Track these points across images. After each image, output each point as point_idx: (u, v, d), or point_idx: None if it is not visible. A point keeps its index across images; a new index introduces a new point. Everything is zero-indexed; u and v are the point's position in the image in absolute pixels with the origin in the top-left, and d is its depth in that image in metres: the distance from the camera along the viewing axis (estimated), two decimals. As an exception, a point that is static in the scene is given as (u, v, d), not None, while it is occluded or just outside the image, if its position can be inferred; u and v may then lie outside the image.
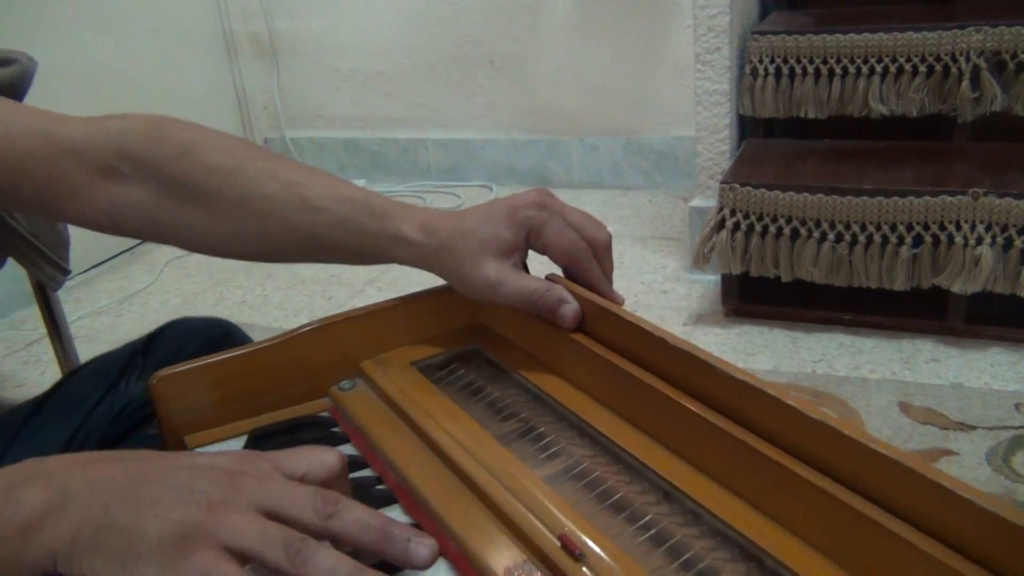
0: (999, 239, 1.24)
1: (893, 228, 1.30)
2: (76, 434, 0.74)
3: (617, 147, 2.18)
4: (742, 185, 1.37)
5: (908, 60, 1.45)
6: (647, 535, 0.46)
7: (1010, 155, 1.40)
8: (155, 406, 0.61)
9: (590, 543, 0.44)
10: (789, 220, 1.36)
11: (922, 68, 1.45)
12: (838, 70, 1.50)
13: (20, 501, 0.40)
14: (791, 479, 0.43)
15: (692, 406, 0.50)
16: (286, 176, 0.64)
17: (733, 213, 1.39)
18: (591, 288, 0.62)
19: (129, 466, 0.43)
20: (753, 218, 1.38)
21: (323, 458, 0.44)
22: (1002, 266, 1.25)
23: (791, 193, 1.34)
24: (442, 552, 0.47)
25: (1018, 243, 1.23)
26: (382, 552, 0.41)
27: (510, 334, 0.67)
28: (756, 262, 1.39)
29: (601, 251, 0.63)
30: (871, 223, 1.31)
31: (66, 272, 1.12)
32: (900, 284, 1.31)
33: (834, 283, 1.35)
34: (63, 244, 1.11)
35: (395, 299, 0.69)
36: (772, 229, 1.37)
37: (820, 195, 1.33)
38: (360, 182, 2.37)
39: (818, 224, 1.34)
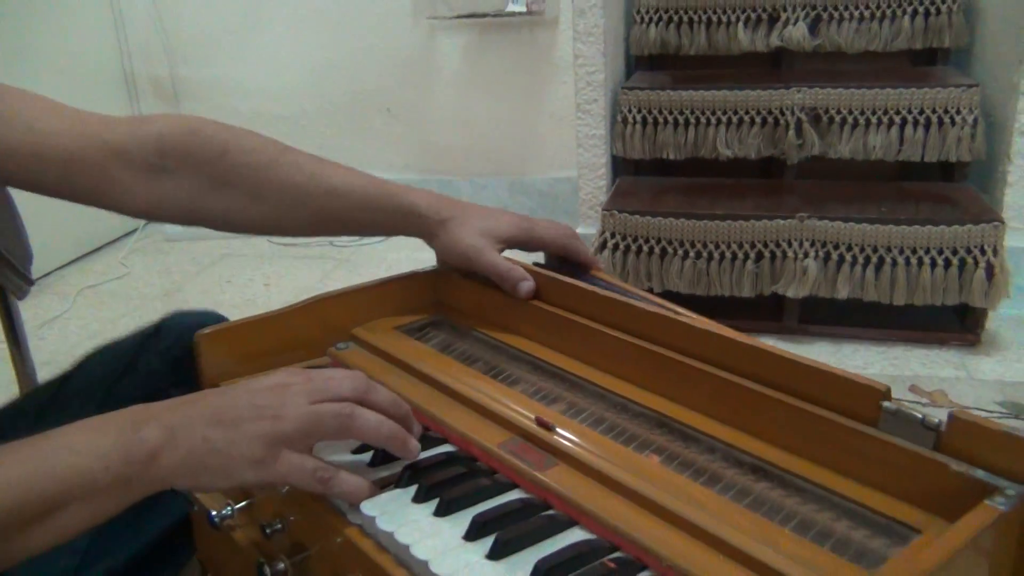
0: (820, 253, 1.54)
1: (740, 246, 1.58)
2: (103, 406, 0.86)
3: (503, 187, 2.41)
4: (620, 212, 1.62)
5: (747, 113, 1.76)
6: (593, 419, 0.66)
7: (827, 189, 1.73)
8: (196, 358, 0.76)
9: (558, 424, 0.64)
10: (659, 241, 1.62)
11: (758, 120, 1.76)
12: (692, 120, 1.80)
13: (142, 437, 0.55)
14: (687, 370, 0.65)
15: (616, 333, 0.71)
16: (310, 168, 0.82)
17: (613, 235, 1.64)
18: (587, 264, 0.84)
19: (210, 402, 0.59)
20: (629, 239, 1.63)
21: (351, 371, 0.62)
22: (824, 275, 1.55)
23: (659, 218, 1.60)
24: (449, 440, 0.66)
25: (835, 256, 1.53)
26: (405, 428, 0.60)
27: (463, 306, 0.87)
28: (633, 276, 1.64)
29: (580, 242, 0.85)
30: (723, 242, 1.59)
31: (31, 282, 1.21)
32: (747, 292, 1.59)
33: (696, 292, 1.61)
34: (27, 257, 1.20)
35: (375, 281, 0.88)
36: (645, 248, 1.63)
37: (682, 220, 1.60)
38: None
39: (681, 244, 1.61)
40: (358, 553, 0.57)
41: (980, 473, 0.49)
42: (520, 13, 2.14)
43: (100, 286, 2.09)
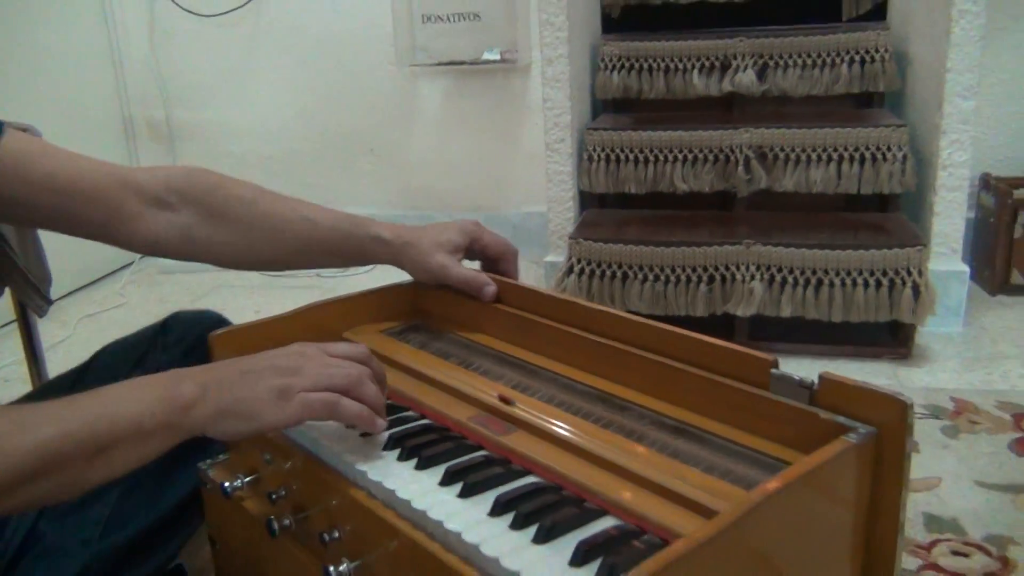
0: (766, 276, 1.69)
1: (694, 270, 1.72)
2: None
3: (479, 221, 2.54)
4: (585, 240, 1.76)
5: (701, 151, 1.92)
6: (545, 396, 0.79)
7: (773, 219, 1.88)
8: (209, 355, 0.88)
9: (518, 401, 0.77)
10: (620, 266, 1.76)
11: (711, 157, 1.92)
12: (651, 158, 1.95)
13: (181, 392, 0.68)
14: (619, 354, 0.78)
15: (563, 327, 0.84)
16: (289, 202, 0.95)
17: (579, 262, 1.77)
18: (510, 273, 0.97)
19: (236, 365, 0.72)
20: (594, 265, 1.77)
21: (355, 344, 0.75)
22: (769, 296, 1.69)
23: (621, 246, 1.75)
24: (427, 417, 0.78)
25: (779, 279, 1.68)
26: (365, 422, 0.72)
27: (437, 312, 1.00)
28: (598, 299, 1.77)
29: (513, 254, 0.98)
30: (679, 267, 1.73)
31: (50, 302, 1.33)
32: (701, 311, 1.73)
33: (655, 312, 1.75)
34: (47, 279, 1.32)
35: (362, 291, 1.01)
36: (608, 273, 1.77)
37: (642, 247, 1.74)
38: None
39: (641, 269, 1.75)
40: (352, 505, 0.69)
41: (841, 418, 0.63)
42: (495, 61, 2.30)
43: (100, 314, 2.20)
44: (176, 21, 2.53)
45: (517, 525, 0.61)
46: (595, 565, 0.56)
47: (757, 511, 0.53)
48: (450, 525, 0.61)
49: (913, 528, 1.10)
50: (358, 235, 0.96)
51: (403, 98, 2.49)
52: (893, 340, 1.69)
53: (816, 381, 0.66)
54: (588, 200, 2.05)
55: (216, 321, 1.06)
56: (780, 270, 1.68)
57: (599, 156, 1.97)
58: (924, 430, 1.37)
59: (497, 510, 0.63)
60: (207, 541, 0.99)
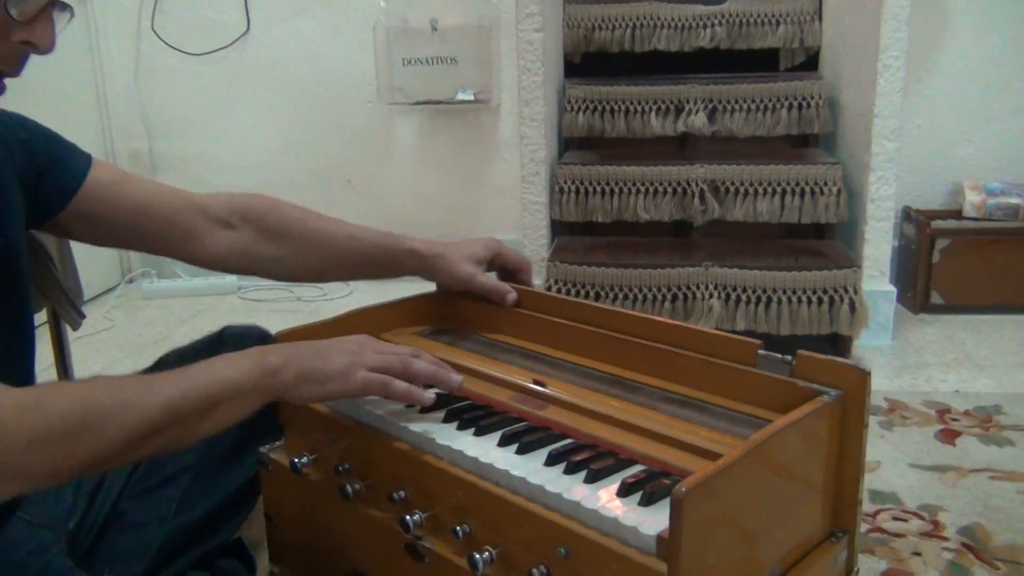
0: (722, 295, 1.88)
1: (658, 290, 1.91)
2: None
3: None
4: (561, 263, 1.94)
5: (660, 184, 2.12)
6: (566, 380, 0.95)
7: (726, 245, 2.08)
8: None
9: (553, 383, 0.93)
10: (592, 286, 1.93)
11: (669, 190, 2.12)
12: (616, 190, 2.14)
13: (269, 361, 0.82)
14: (628, 344, 0.95)
15: (576, 324, 1.00)
16: (333, 221, 1.10)
17: (556, 282, 1.94)
18: (526, 283, 1.13)
19: (310, 346, 0.86)
20: (570, 285, 1.94)
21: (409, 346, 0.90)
22: (725, 312, 1.88)
23: (592, 268, 1.92)
24: (470, 399, 0.93)
25: (734, 297, 1.88)
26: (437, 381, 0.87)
27: (461, 317, 1.15)
28: (572, 317, 1.94)
29: (529, 266, 1.14)
30: (644, 287, 1.91)
31: (82, 315, 1.43)
32: (666, 327, 1.91)
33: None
34: (80, 296, 1.42)
35: (395, 300, 1.15)
36: (582, 292, 1.94)
37: (611, 269, 1.92)
38: (231, 278, 2.71)
39: (611, 288, 1.92)
40: (419, 467, 0.83)
41: (815, 385, 0.80)
42: (468, 101, 2.48)
43: (91, 336, 2.27)
44: (161, 58, 2.64)
45: (569, 471, 0.76)
46: (636, 496, 0.72)
47: (765, 444, 0.69)
48: (515, 472, 0.76)
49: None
50: (395, 249, 1.11)
51: (380, 134, 2.64)
52: (833, 351, 1.89)
53: (793, 358, 0.84)
54: (559, 228, 2.23)
55: (262, 333, 1.19)
56: (735, 289, 1.87)
57: (569, 188, 2.16)
58: (864, 425, 1.56)
59: (550, 461, 0.78)
60: (256, 521, 1.12)
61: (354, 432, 0.91)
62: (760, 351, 0.86)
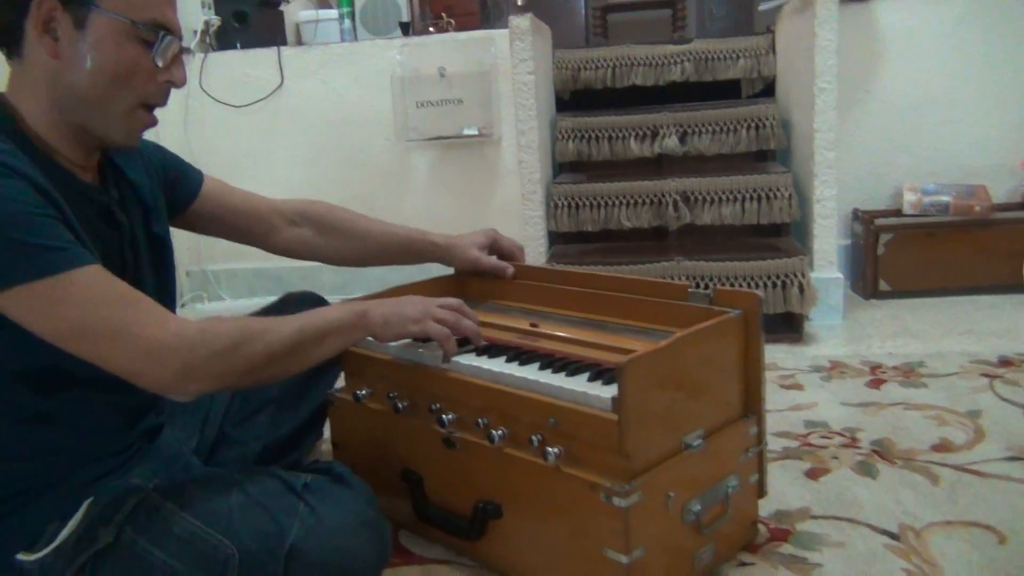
0: (692, 283, 2.20)
1: (640, 283, 2.23)
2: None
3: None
4: (559, 263, 2.26)
5: (639, 197, 2.45)
6: (553, 323, 1.28)
7: (696, 244, 2.40)
8: (339, 315, 1.34)
9: (544, 325, 1.25)
10: (584, 283, 2.26)
11: (647, 201, 2.45)
12: (603, 204, 2.47)
13: (361, 307, 1.14)
14: (601, 297, 1.27)
15: (564, 286, 1.33)
16: (374, 221, 1.43)
17: (553, 281, 2.27)
18: (518, 259, 1.45)
19: (390, 300, 1.18)
20: (564, 283, 2.27)
21: (455, 298, 1.22)
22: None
23: (586, 267, 2.25)
24: (487, 340, 1.25)
25: (701, 285, 2.19)
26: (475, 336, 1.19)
27: (473, 290, 1.47)
28: (568, 310, 2.26)
29: (521, 250, 1.47)
30: (628, 282, 2.23)
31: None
32: (647, 314, 2.23)
33: (612, 317, 2.24)
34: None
35: (428, 279, 1.48)
36: (575, 289, 2.26)
37: (601, 267, 2.25)
38: (271, 299, 3.04)
39: (600, 284, 2.25)
40: (448, 382, 1.15)
41: (726, 309, 1.13)
42: (474, 135, 2.83)
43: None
44: (207, 110, 3.01)
45: (555, 371, 1.08)
46: (599, 380, 1.04)
47: (688, 336, 1.02)
48: (519, 374, 1.08)
49: (795, 428, 1.59)
50: (421, 242, 1.45)
51: (398, 167, 2.99)
52: (789, 328, 2.21)
53: (712, 291, 1.16)
54: (555, 238, 2.56)
55: (316, 296, 1.49)
56: (702, 278, 2.19)
57: (563, 204, 2.49)
58: (809, 379, 1.87)
59: (543, 366, 1.10)
60: (320, 453, 1.44)
61: (401, 368, 1.23)
62: (689, 289, 1.19)
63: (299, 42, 3.36)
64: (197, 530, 0.99)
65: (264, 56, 2.97)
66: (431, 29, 3.22)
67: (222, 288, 3.14)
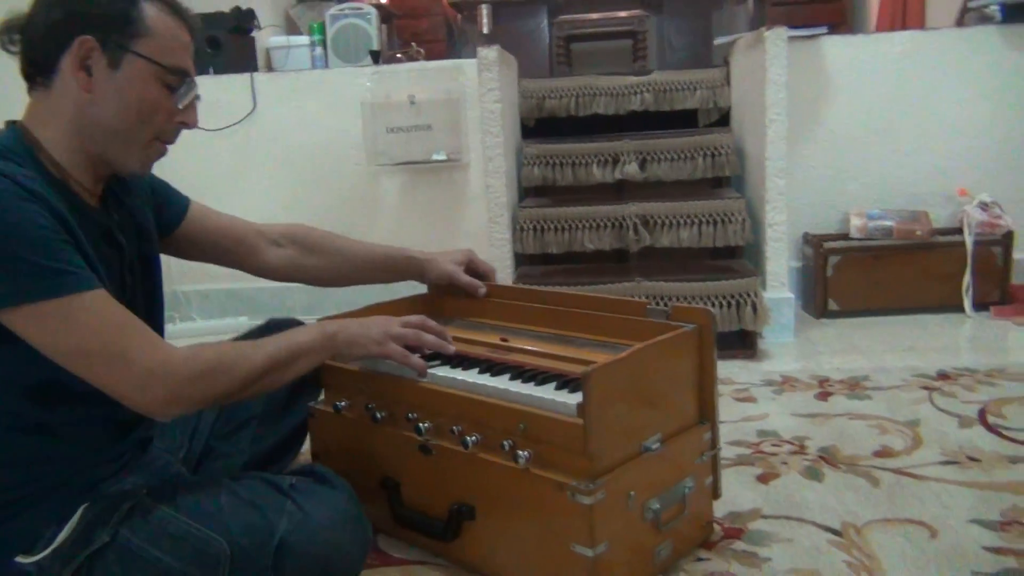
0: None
1: (603, 303, 2.33)
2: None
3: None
4: (524, 283, 2.35)
5: (602, 221, 2.55)
6: (522, 337, 1.36)
7: (656, 266, 2.51)
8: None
9: (514, 340, 1.34)
10: (550, 303, 2.35)
11: (609, 225, 2.55)
12: (566, 227, 2.57)
13: (329, 329, 1.22)
14: (566, 313, 1.36)
15: (531, 304, 1.42)
16: (354, 241, 1.51)
17: (520, 300, 2.36)
18: (490, 279, 1.54)
19: (355, 322, 1.26)
20: (531, 303, 2.36)
21: (418, 315, 1.30)
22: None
23: (551, 287, 2.34)
24: (457, 351, 1.33)
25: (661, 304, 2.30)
26: (439, 348, 1.27)
27: (448, 308, 1.55)
28: (534, 328, 2.35)
29: (494, 271, 1.55)
30: (592, 301, 2.33)
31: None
32: (610, 332, 2.32)
33: (576, 335, 2.33)
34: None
35: (403, 297, 1.55)
36: (541, 308, 2.35)
37: (565, 287, 2.33)
38: (242, 319, 3.09)
39: (565, 304, 2.34)
40: (425, 393, 1.23)
41: (682, 323, 1.22)
42: (442, 160, 2.91)
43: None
44: (182, 133, 3.05)
45: (525, 381, 1.17)
46: (566, 389, 1.12)
47: (647, 348, 1.11)
48: (490, 384, 1.17)
49: (748, 437, 1.69)
50: (398, 258, 1.53)
51: (369, 191, 3.06)
52: (743, 345, 2.32)
53: (669, 308, 1.26)
54: (521, 259, 2.66)
55: (297, 321, 1.55)
56: (661, 298, 2.30)
57: (528, 227, 2.59)
58: (761, 392, 1.98)
59: (513, 377, 1.19)
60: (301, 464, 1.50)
61: (379, 379, 1.31)
62: (648, 306, 1.29)
63: (269, 67, 3.44)
64: (190, 528, 1.05)
65: (237, 81, 3.04)
66: (399, 56, 3.32)
67: (193, 309, 3.17)
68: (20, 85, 1.08)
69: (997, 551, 1.21)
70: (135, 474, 1.17)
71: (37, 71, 1.05)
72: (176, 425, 1.33)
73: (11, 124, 1.07)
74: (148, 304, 1.22)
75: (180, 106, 1.10)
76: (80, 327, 0.98)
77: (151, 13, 1.05)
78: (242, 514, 1.06)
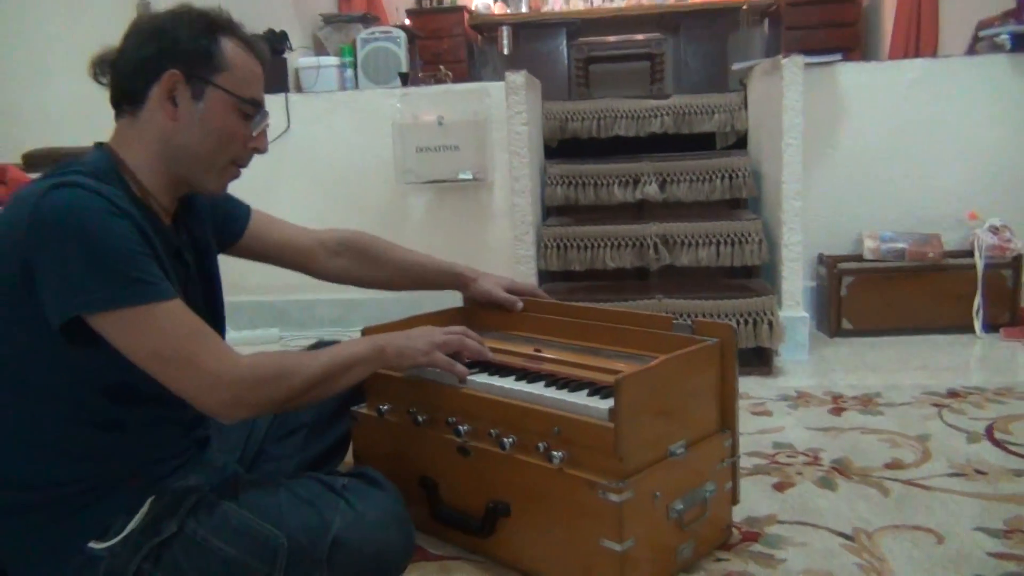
0: (672, 321, 2.39)
1: (624, 319, 2.41)
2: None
3: (457, 298, 3.19)
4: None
5: (623, 240, 2.64)
6: (554, 349, 1.45)
7: (675, 283, 2.59)
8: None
9: (546, 351, 1.43)
10: (572, 318, 2.44)
11: (630, 243, 2.64)
12: (589, 245, 2.67)
13: (378, 343, 1.31)
14: (596, 327, 1.46)
15: (564, 318, 1.51)
16: (408, 251, 1.61)
17: (543, 315, 2.45)
18: (538, 296, 1.63)
19: (403, 334, 1.35)
20: (554, 317, 2.45)
21: (460, 326, 1.40)
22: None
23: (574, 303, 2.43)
24: (490, 362, 1.42)
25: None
26: (479, 355, 1.36)
27: (480, 321, 1.65)
28: (557, 342, 2.43)
29: (533, 290, 1.64)
30: (613, 317, 2.42)
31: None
32: (630, 347, 2.41)
33: (598, 349, 2.42)
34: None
35: (442, 310, 1.65)
36: (564, 323, 2.44)
37: (588, 304, 2.42)
38: (273, 330, 3.19)
39: (587, 319, 2.43)
40: (466, 399, 1.32)
41: (705, 338, 1.31)
42: (468, 179, 3.02)
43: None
44: (217, 151, 3.17)
45: (559, 388, 1.26)
46: (598, 395, 1.21)
47: (674, 360, 1.20)
48: (526, 389, 1.26)
49: (764, 448, 1.77)
50: (447, 272, 1.62)
51: (398, 208, 3.17)
52: (760, 362, 2.39)
53: (693, 323, 1.34)
54: (544, 276, 2.75)
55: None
56: (680, 315, 2.38)
57: (552, 244, 2.68)
58: (777, 406, 2.06)
59: (548, 384, 1.28)
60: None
61: (422, 386, 1.39)
62: (675, 321, 1.37)
63: (298, 87, 3.56)
64: (251, 522, 1.14)
65: (272, 101, 3.15)
66: (420, 75, 3.42)
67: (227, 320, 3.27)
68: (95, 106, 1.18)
69: (1000, 556, 1.28)
70: (197, 472, 1.26)
71: (126, 100, 1.15)
72: (234, 429, 1.42)
73: (99, 145, 1.18)
74: (210, 317, 1.31)
75: (254, 133, 1.20)
76: (157, 332, 1.07)
77: (229, 49, 1.15)
78: (299, 511, 1.15)
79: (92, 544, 1.14)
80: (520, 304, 1.60)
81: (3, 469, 1.15)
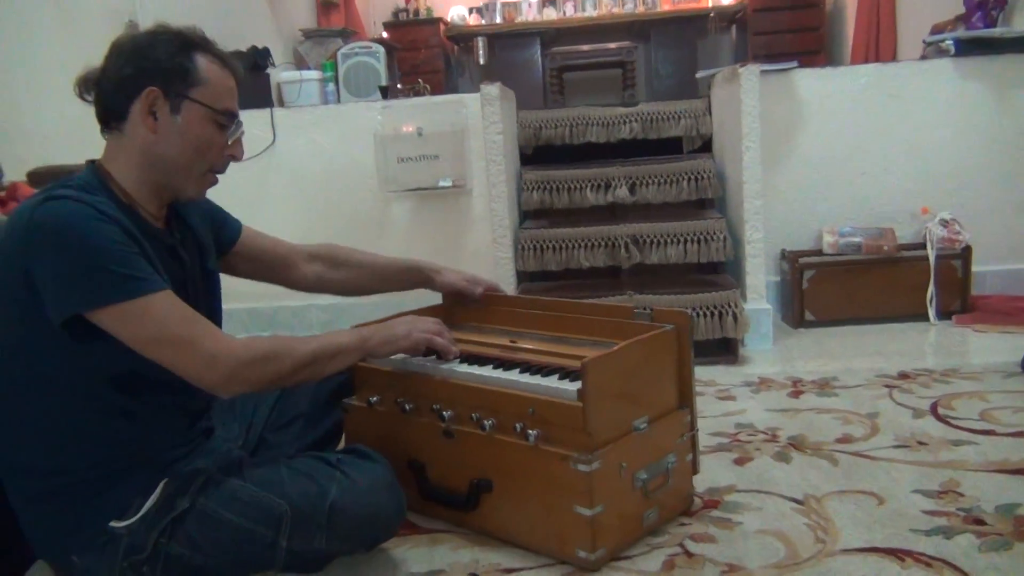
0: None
1: (598, 315, 2.55)
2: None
3: (437, 299, 3.32)
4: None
5: (596, 241, 2.78)
6: (525, 339, 1.58)
7: (646, 281, 2.73)
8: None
9: (521, 341, 1.56)
10: (549, 315, 2.57)
11: (602, 244, 2.78)
12: (564, 246, 2.80)
13: (363, 333, 1.44)
14: (564, 318, 1.59)
15: (532, 310, 1.64)
16: (376, 256, 1.72)
17: (522, 313, 2.58)
18: (496, 291, 1.76)
19: (385, 324, 1.48)
20: (532, 315, 2.58)
21: (435, 318, 1.53)
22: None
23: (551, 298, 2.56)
24: (465, 355, 1.55)
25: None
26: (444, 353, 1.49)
27: (461, 316, 1.77)
28: (535, 338, 2.56)
29: (498, 286, 1.77)
30: (587, 313, 2.55)
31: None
32: (604, 341, 2.54)
33: (574, 344, 2.55)
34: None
35: (426, 307, 1.77)
36: (542, 320, 2.57)
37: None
38: (265, 334, 3.30)
39: (563, 316, 2.56)
40: (448, 387, 1.44)
41: (664, 325, 1.44)
42: (448, 187, 3.14)
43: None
44: (205, 165, 3.28)
45: (532, 373, 1.39)
46: (567, 379, 1.34)
47: (634, 344, 1.33)
48: (504, 376, 1.38)
49: (727, 429, 1.91)
50: (411, 267, 1.74)
51: (380, 215, 3.28)
52: (726, 351, 2.53)
53: (651, 312, 1.48)
54: (522, 277, 2.88)
55: None
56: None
57: (529, 247, 2.81)
58: (741, 392, 2.20)
59: (523, 371, 1.40)
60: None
61: (408, 377, 1.52)
62: (635, 310, 1.51)
63: (280, 101, 3.67)
64: (256, 494, 1.26)
65: (257, 116, 3.27)
66: (399, 87, 3.55)
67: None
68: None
69: (932, 514, 1.43)
70: (203, 458, 1.37)
71: (111, 116, 1.26)
72: (235, 418, 1.54)
73: (90, 162, 1.29)
74: (209, 311, 1.43)
75: (230, 142, 1.32)
76: (154, 321, 1.18)
77: (204, 65, 1.27)
78: (299, 482, 1.27)
79: (113, 523, 1.25)
80: (479, 289, 1.72)
81: (27, 459, 1.26)
